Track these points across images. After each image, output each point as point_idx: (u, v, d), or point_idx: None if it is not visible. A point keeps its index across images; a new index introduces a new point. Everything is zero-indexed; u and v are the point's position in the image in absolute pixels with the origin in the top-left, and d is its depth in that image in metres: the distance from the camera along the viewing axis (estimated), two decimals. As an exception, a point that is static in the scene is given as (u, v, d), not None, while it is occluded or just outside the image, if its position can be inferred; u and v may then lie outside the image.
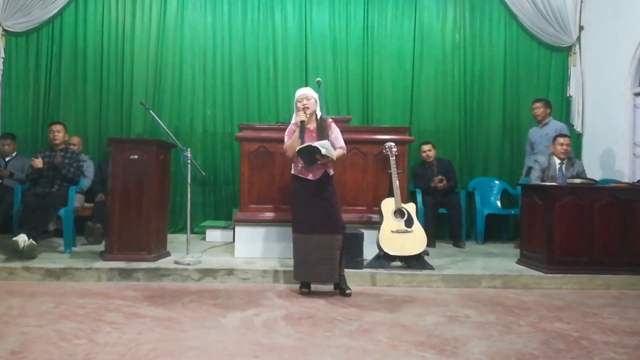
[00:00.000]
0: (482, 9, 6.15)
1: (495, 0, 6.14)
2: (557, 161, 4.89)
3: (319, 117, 3.69)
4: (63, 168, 4.59)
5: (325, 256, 3.52)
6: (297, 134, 3.56)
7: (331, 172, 3.65)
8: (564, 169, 4.85)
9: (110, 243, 4.14)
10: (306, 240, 3.53)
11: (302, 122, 3.54)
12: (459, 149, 6.08)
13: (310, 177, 3.57)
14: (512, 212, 5.71)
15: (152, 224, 4.13)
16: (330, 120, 3.77)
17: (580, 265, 4.11)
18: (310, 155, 3.48)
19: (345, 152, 3.72)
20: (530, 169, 5.40)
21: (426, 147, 5.56)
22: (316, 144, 3.47)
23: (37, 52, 5.78)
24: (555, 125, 5.50)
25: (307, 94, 3.63)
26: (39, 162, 4.54)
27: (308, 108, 3.58)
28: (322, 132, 3.62)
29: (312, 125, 3.64)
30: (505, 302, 3.55)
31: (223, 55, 5.98)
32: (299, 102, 3.61)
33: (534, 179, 4.86)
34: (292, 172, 3.66)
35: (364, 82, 6.05)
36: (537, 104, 5.55)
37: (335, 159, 3.57)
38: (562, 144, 4.89)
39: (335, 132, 3.69)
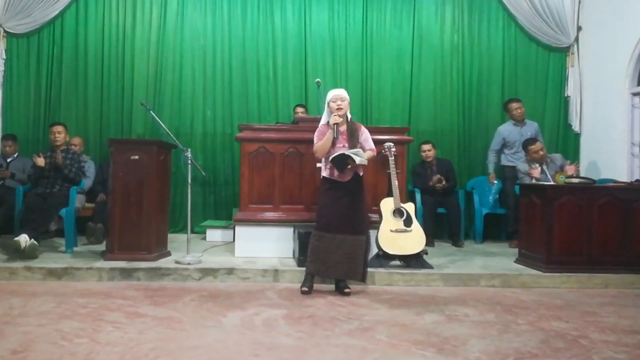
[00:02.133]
0: (480, 10, 6.18)
1: (493, 1, 6.16)
2: (537, 164, 4.95)
3: (349, 119, 3.68)
4: (65, 168, 4.60)
5: (347, 255, 3.55)
6: (329, 135, 3.53)
7: (361, 173, 3.66)
8: (546, 170, 4.89)
9: (111, 243, 4.16)
10: (330, 239, 3.55)
11: (335, 124, 3.52)
12: (457, 148, 6.09)
13: (341, 179, 3.57)
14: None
15: (152, 223, 4.15)
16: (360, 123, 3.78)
17: (578, 264, 4.13)
18: (342, 162, 3.49)
19: (375, 154, 3.71)
20: (509, 168, 5.45)
21: (426, 147, 5.57)
22: (349, 152, 3.47)
23: (38, 53, 5.80)
24: (533, 125, 5.60)
25: (342, 95, 3.59)
26: (41, 161, 4.55)
27: (342, 109, 3.55)
28: (353, 134, 3.60)
29: (342, 127, 3.61)
30: (504, 301, 3.57)
31: (223, 56, 6.00)
32: (333, 102, 3.57)
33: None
34: (323, 174, 3.64)
35: (363, 83, 6.07)
36: (519, 104, 5.58)
37: (367, 164, 3.58)
38: (537, 152, 4.94)
39: (365, 134, 3.68)
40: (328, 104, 3.62)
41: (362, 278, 3.65)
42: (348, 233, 3.55)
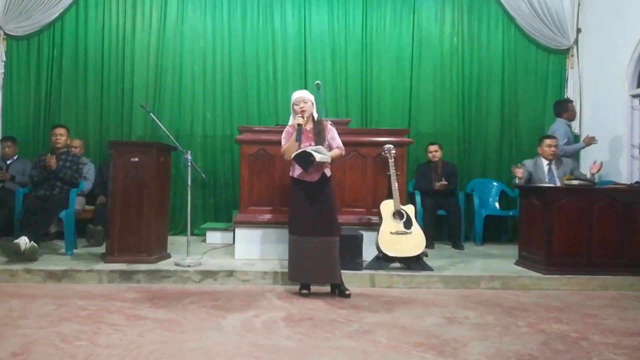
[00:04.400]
0: (480, 12, 6.19)
1: (493, 3, 6.18)
2: (545, 162, 4.91)
3: (315, 118, 3.71)
4: (59, 171, 4.60)
5: (324, 258, 3.54)
6: (294, 136, 3.57)
7: (329, 173, 3.67)
8: (554, 170, 4.87)
9: (111, 245, 4.16)
10: (304, 242, 3.55)
11: (299, 125, 3.56)
12: (457, 150, 6.10)
13: (309, 179, 3.59)
14: (511, 213, 5.74)
15: (152, 226, 4.15)
16: (328, 121, 3.78)
17: (578, 266, 4.12)
18: (305, 159, 3.50)
19: (343, 152, 3.73)
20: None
21: (433, 148, 5.58)
22: (310, 149, 3.48)
23: (38, 55, 5.80)
24: None
25: (304, 97, 3.64)
26: (54, 163, 4.54)
27: (305, 111, 3.59)
28: (319, 133, 3.63)
29: (308, 126, 3.65)
30: (504, 303, 3.57)
31: (223, 58, 6.01)
32: (296, 104, 3.63)
33: (521, 184, 4.83)
34: (291, 174, 3.68)
35: (363, 85, 6.08)
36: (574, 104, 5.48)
37: (330, 161, 3.58)
38: (550, 146, 4.91)
39: (332, 132, 3.70)
40: (292, 106, 3.67)
41: (340, 278, 3.64)
42: (320, 235, 3.54)
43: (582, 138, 6.00)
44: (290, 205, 3.73)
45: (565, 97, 6.10)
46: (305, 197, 3.58)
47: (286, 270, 3.95)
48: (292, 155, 3.52)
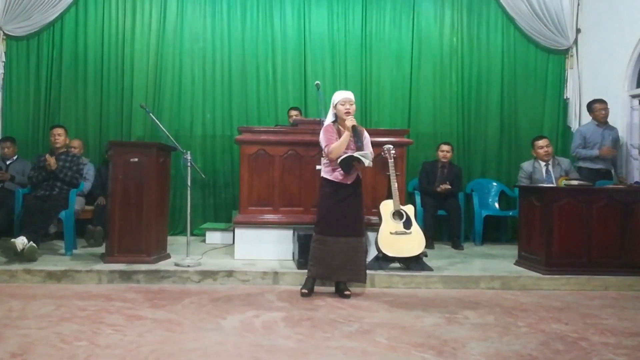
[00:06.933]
0: (479, 12, 6.19)
1: (492, 3, 6.18)
2: (542, 164, 4.91)
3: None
4: (60, 172, 4.60)
5: (350, 258, 3.56)
6: (346, 137, 3.50)
7: (360, 175, 3.68)
8: (551, 170, 4.86)
9: (110, 245, 4.16)
10: (333, 242, 3.55)
11: (354, 126, 3.52)
12: (457, 151, 6.08)
13: (344, 181, 3.57)
14: (510, 213, 5.74)
15: (152, 226, 4.15)
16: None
17: (578, 266, 4.12)
18: (349, 163, 3.51)
19: (372, 157, 3.69)
20: (585, 169, 5.09)
21: (445, 147, 5.55)
22: (358, 154, 3.47)
23: (37, 56, 5.79)
24: (614, 129, 5.29)
25: (351, 99, 3.58)
26: (53, 163, 4.54)
27: (349, 113, 3.55)
28: (358, 137, 3.60)
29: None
30: (503, 303, 3.57)
31: (222, 58, 6.00)
32: (342, 105, 3.55)
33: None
34: (327, 177, 3.61)
35: (363, 85, 6.08)
36: (603, 105, 5.21)
37: (371, 166, 3.57)
38: (542, 147, 4.91)
39: (367, 138, 3.68)
40: (335, 105, 3.60)
41: (364, 279, 3.68)
42: (349, 235, 3.56)
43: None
44: (321, 206, 3.66)
45: (565, 97, 6.11)
46: (340, 199, 3.56)
47: (286, 270, 3.97)
48: (339, 160, 3.49)
